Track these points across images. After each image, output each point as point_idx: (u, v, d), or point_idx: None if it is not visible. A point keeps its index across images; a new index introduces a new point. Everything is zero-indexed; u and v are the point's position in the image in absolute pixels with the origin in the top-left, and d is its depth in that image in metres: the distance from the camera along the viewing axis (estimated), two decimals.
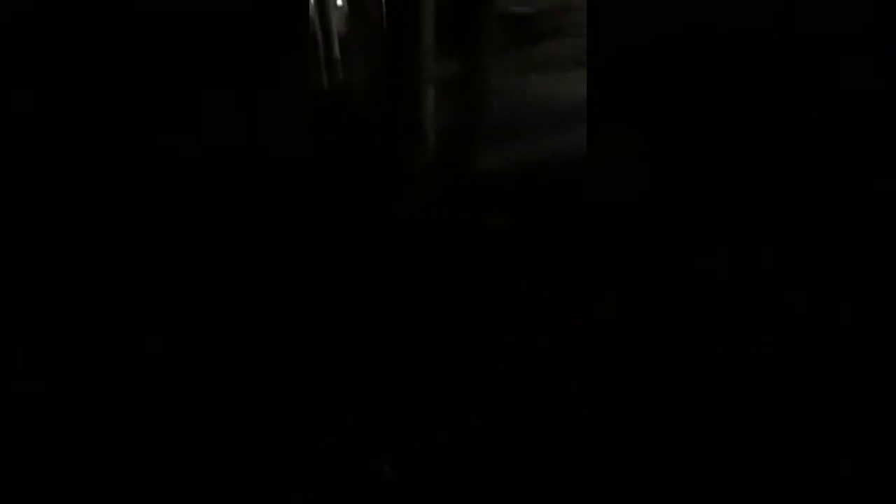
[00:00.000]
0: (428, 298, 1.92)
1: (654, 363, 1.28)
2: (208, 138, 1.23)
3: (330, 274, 1.71)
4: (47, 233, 1.17)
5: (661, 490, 1.25)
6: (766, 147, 1.18)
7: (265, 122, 1.26)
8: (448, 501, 1.38)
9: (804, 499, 1.22)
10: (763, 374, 1.25)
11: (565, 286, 1.84)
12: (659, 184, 1.25)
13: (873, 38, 1.10)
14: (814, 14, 1.12)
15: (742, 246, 1.24)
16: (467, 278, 1.98)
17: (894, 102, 1.10)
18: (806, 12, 1.12)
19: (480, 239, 2.17)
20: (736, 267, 1.25)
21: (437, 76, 2.40)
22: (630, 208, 1.27)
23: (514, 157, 2.46)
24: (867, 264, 1.17)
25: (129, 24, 1.13)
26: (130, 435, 1.23)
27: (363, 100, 2.89)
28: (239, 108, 1.24)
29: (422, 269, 2.03)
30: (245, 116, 1.25)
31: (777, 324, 1.24)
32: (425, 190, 2.42)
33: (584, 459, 1.37)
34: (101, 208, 1.19)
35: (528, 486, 1.38)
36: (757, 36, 1.15)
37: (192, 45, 1.18)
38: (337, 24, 3.88)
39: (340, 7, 4.02)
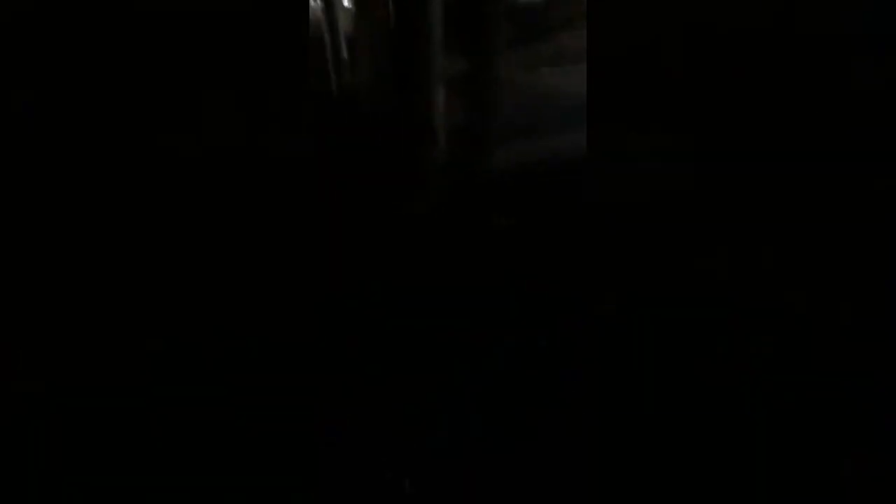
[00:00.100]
0: (427, 298, 1.92)
1: (654, 363, 1.28)
2: (207, 138, 1.23)
3: (329, 274, 1.71)
4: (48, 233, 1.17)
5: (661, 490, 1.25)
6: (767, 147, 1.18)
7: (266, 122, 1.26)
8: (448, 501, 1.38)
9: (804, 499, 1.22)
10: (763, 374, 1.25)
11: (565, 286, 1.84)
12: (659, 184, 1.25)
13: (875, 37, 1.10)
14: (814, 13, 1.12)
15: (742, 246, 1.24)
16: (468, 278, 1.98)
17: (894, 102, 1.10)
18: (807, 12, 1.12)
19: (484, 239, 2.16)
20: (736, 267, 1.25)
21: (445, 73, 2.37)
22: (630, 208, 1.27)
23: (523, 154, 2.44)
24: (867, 264, 1.17)
25: (130, 25, 1.13)
26: (130, 435, 1.23)
27: (371, 100, 2.88)
28: (239, 107, 1.24)
29: (423, 269, 2.03)
30: (245, 116, 1.25)
31: (777, 324, 1.24)
32: (432, 189, 2.41)
33: (585, 459, 1.37)
34: (102, 208, 1.19)
35: (528, 486, 1.38)
36: (756, 36, 1.15)
37: (192, 46, 1.18)
38: (344, 24, 3.88)
39: (348, 8, 4.02)
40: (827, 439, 1.21)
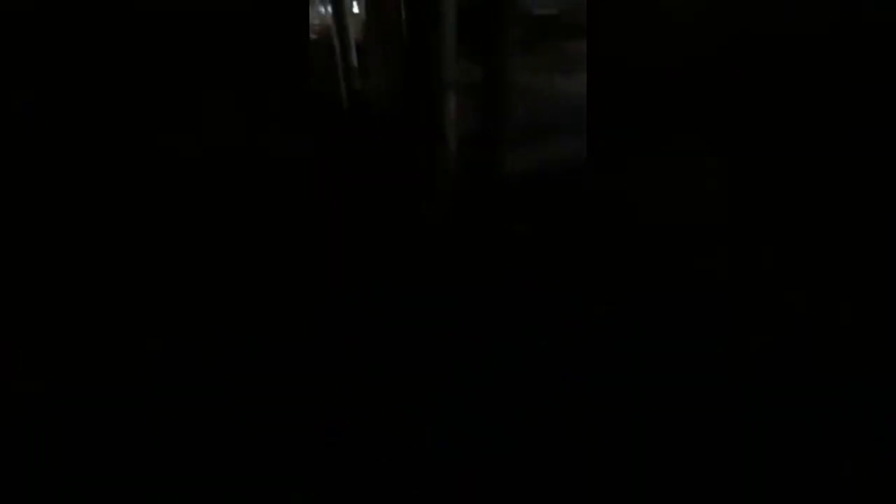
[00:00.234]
0: (428, 299, 1.92)
1: (654, 363, 1.28)
2: (207, 139, 1.23)
3: (330, 275, 1.71)
4: (48, 233, 1.17)
5: (660, 490, 1.25)
6: (767, 147, 1.18)
7: (266, 123, 1.26)
8: (448, 501, 1.38)
9: (804, 499, 1.22)
10: (763, 374, 1.25)
11: (566, 286, 1.84)
12: (659, 183, 1.25)
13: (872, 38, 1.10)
14: (816, 13, 1.12)
15: (742, 246, 1.24)
16: (473, 280, 1.99)
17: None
18: (809, 12, 1.12)
19: (492, 242, 2.16)
20: (736, 267, 1.25)
21: (458, 80, 2.36)
22: (630, 208, 1.27)
23: (534, 159, 2.43)
24: (867, 264, 1.17)
25: (133, 25, 1.13)
26: (130, 435, 1.23)
27: (382, 106, 2.88)
28: (239, 108, 1.24)
29: (428, 271, 2.03)
30: (245, 117, 1.25)
31: (777, 324, 1.24)
32: (443, 193, 2.40)
33: (584, 459, 1.37)
34: (102, 208, 1.19)
35: (528, 486, 1.38)
36: (755, 36, 1.15)
37: (192, 46, 1.18)
38: (355, 30, 3.89)
39: (357, 15, 4.03)
40: (827, 439, 1.21)
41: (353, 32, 3.87)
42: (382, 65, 2.86)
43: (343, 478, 1.38)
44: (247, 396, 1.26)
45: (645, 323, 1.29)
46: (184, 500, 1.22)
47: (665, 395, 1.27)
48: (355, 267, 1.96)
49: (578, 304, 1.71)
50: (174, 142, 1.22)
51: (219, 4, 1.18)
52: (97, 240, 1.20)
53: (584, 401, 1.43)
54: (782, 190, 1.20)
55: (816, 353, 1.21)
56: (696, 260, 1.28)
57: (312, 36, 3.96)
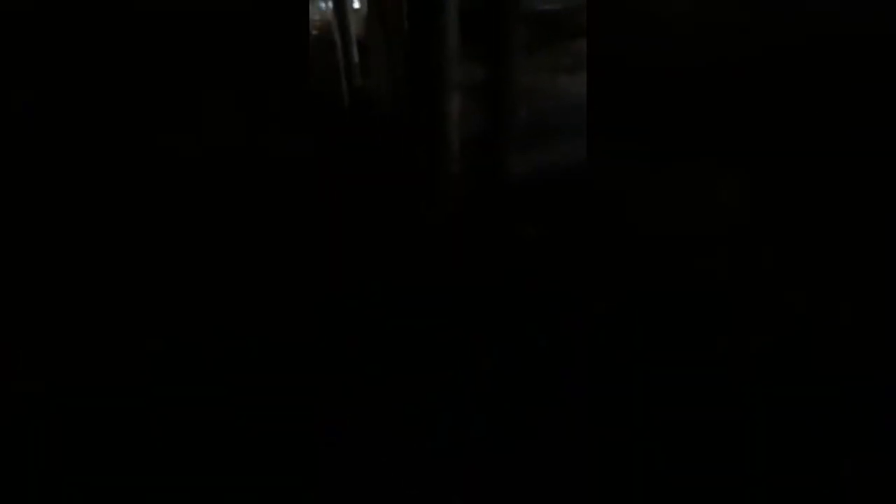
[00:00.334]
0: (428, 299, 1.92)
1: (654, 363, 1.28)
2: (207, 139, 1.23)
3: (334, 274, 1.71)
4: (48, 233, 1.16)
5: (661, 489, 1.25)
6: (768, 147, 1.18)
7: (266, 122, 1.25)
8: (449, 501, 1.38)
9: (804, 499, 1.22)
10: (763, 374, 1.25)
11: (566, 286, 1.84)
12: (659, 183, 1.25)
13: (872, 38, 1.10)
14: (816, 12, 1.12)
15: (742, 246, 1.24)
16: (474, 281, 1.99)
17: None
18: (811, 12, 1.12)
19: (495, 243, 2.16)
20: (736, 267, 1.25)
21: (461, 79, 2.34)
22: (631, 208, 1.27)
23: (538, 160, 2.42)
24: (867, 264, 1.17)
25: (134, 25, 1.13)
26: (130, 435, 1.23)
27: (384, 106, 2.86)
28: (239, 106, 1.24)
29: (430, 272, 2.03)
30: (245, 116, 1.25)
31: (777, 324, 1.24)
32: (445, 194, 2.39)
33: (585, 458, 1.37)
34: (102, 208, 1.19)
35: (528, 485, 1.38)
36: (754, 37, 1.15)
37: (191, 44, 1.18)
38: (356, 29, 3.85)
39: (358, 10, 3.98)
40: (827, 439, 1.21)
41: (355, 28, 3.83)
42: (384, 62, 2.84)
43: (344, 478, 1.38)
44: (247, 396, 1.26)
45: (645, 323, 1.29)
46: (184, 500, 1.22)
47: (665, 394, 1.27)
48: (356, 267, 1.97)
49: (579, 304, 1.71)
50: (173, 141, 1.21)
51: (218, 2, 1.18)
52: (97, 240, 1.20)
53: (585, 400, 1.43)
54: (782, 190, 1.19)
55: (816, 353, 1.21)
56: (697, 260, 1.27)
57: (313, 32, 3.93)
